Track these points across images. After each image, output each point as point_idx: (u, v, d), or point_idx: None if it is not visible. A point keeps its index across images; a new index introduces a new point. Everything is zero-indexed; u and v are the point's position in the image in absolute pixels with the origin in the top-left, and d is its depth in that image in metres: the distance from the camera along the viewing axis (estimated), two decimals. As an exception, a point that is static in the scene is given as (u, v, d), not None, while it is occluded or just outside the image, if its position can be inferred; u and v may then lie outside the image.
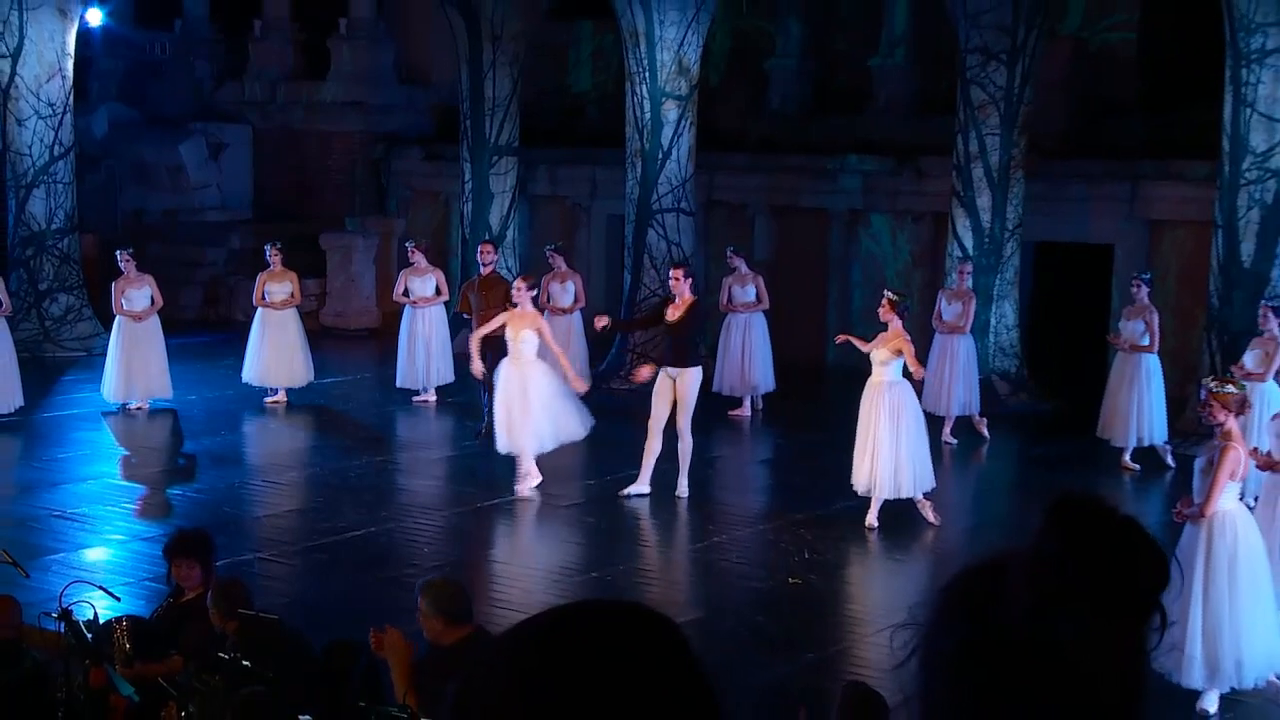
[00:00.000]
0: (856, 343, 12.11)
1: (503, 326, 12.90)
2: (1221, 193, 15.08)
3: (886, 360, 11.86)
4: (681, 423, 12.77)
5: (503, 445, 12.91)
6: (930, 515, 12.09)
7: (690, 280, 13.01)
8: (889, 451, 11.84)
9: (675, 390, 12.67)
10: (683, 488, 12.89)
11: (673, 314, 12.77)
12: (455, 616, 6.43)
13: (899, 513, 12.02)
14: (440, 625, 6.38)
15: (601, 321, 13.29)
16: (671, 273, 13.29)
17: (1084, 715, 1.43)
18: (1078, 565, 1.42)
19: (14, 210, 19.68)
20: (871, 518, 11.92)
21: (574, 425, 12.96)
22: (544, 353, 13.07)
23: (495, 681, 1.40)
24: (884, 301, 12.12)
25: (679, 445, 12.88)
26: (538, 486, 12.89)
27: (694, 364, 12.79)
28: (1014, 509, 13.65)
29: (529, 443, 12.75)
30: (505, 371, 12.85)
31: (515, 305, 12.91)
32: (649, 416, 12.74)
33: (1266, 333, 12.80)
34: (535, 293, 13.59)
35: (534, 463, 12.91)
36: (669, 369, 12.80)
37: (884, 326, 11.98)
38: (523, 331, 12.62)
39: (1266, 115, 14.66)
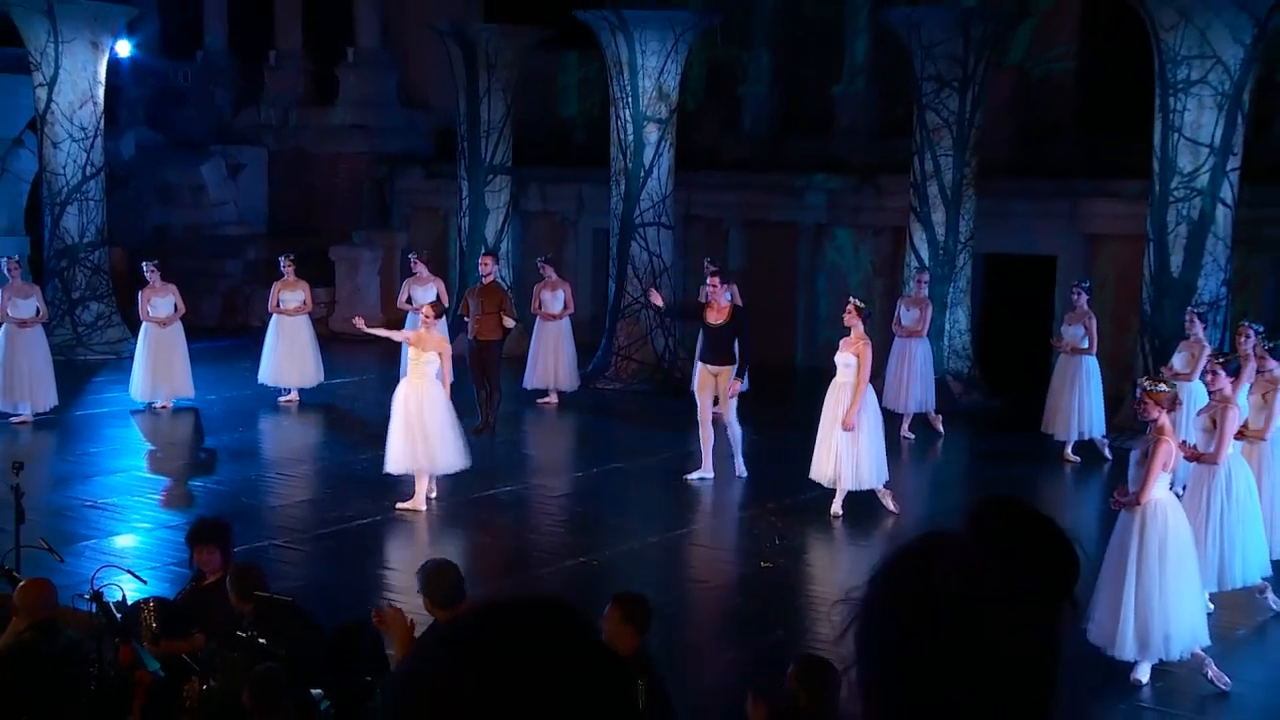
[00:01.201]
0: (851, 411, 11.73)
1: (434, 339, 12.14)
2: (1152, 210, 15.13)
3: (849, 362, 11.91)
4: (727, 415, 12.91)
5: (396, 467, 12.00)
6: (890, 504, 12.12)
7: (726, 286, 13.09)
8: (850, 446, 11.90)
9: (717, 385, 12.82)
10: (740, 469, 13.10)
11: (715, 317, 12.88)
12: (448, 598, 6.42)
13: (861, 502, 12.03)
14: (431, 605, 6.39)
15: (656, 299, 13.18)
16: (709, 280, 13.29)
17: (1006, 695, 1.45)
18: (999, 562, 1.44)
19: (49, 225, 19.64)
20: (836, 506, 11.94)
21: (456, 457, 12.13)
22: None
23: (420, 674, 1.40)
24: (849, 308, 12.17)
25: (729, 433, 13.04)
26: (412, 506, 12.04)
27: (732, 362, 12.85)
28: (967, 498, 13.67)
29: (425, 464, 11.92)
30: (403, 391, 12.01)
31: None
32: (698, 411, 12.88)
33: (1193, 336, 12.87)
34: (444, 320, 12.92)
35: (426, 485, 12.05)
36: (709, 366, 12.95)
37: (848, 331, 12.04)
38: (426, 354, 11.93)
39: (1192, 140, 14.74)
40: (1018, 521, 1.48)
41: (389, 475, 12.04)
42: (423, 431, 11.87)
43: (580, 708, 1.35)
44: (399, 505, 11.91)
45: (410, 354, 12.09)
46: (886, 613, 1.50)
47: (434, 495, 12.21)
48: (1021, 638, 1.44)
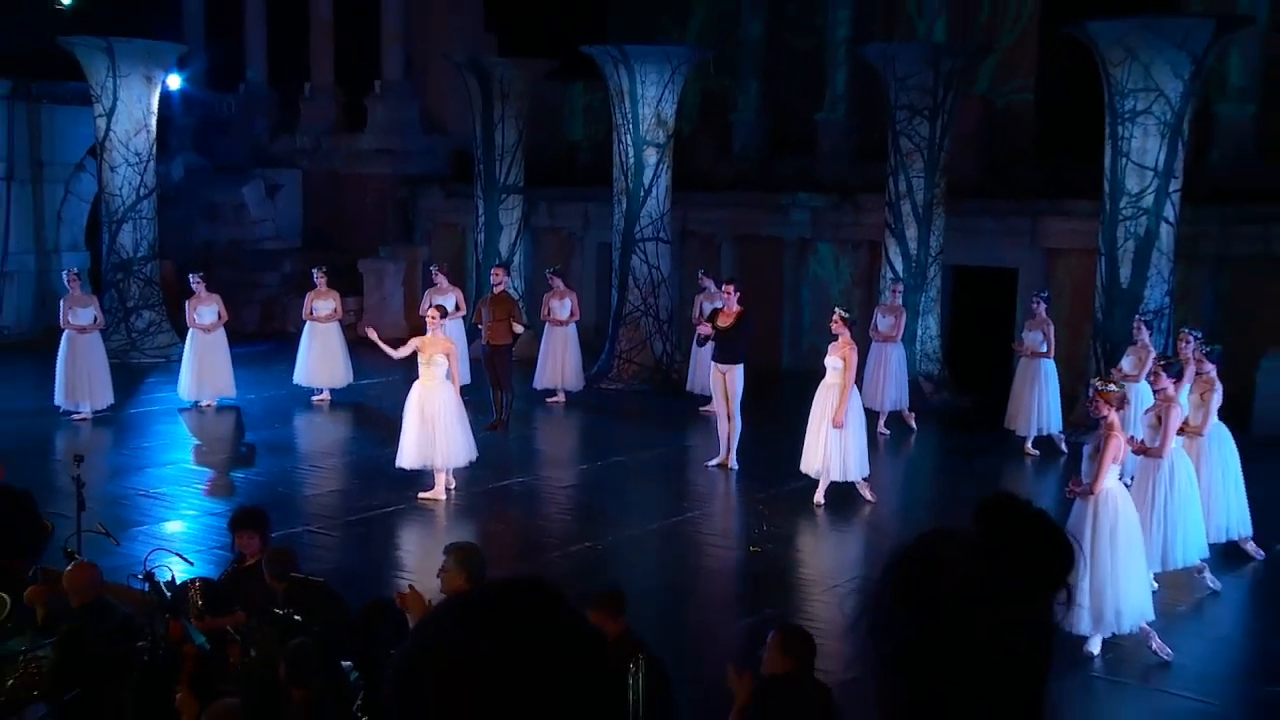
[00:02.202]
0: (839, 410, 11.78)
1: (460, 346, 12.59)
2: (1104, 227, 15.12)
3: (836, 365, 11.93)
4: (731, 408, 12.97)
5: (410, 461, 11.95)
6: (867, 494, 12.14)
7: (739, 294, 13.13)
8: (836, 441, 11.92)
9: (725, 382, 12.89)
10: (732, 461, 13.09)
11: (724, 321, 12.98)
12: (475, 575, 6.45)
13: (842, 492, 12.05)
14: (461, 581, 6.38)
15: (706, 329, 13.10)
16: (725, 287, 13.40)
17: (1008, 679, 1.45)
18: (1002, 557, 1.44)
19: (107, 241, 19.66)
20: (819, 496, 11.96)
21: (464, 452, 12.12)
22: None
23: (419, 652, 1.39)
24: (835, 317, 12.21)
25: (730, 425, 13.07)
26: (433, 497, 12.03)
27: (739, 361, 12.94)
28: (938, 488, 13.74)
29: (439, 459, 11.91)
30: (416, 391, 11.95)
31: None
32: (709, 405, 13.04)
33: (1139, 342, 12.90)
34: (446, 322, 12.88)
35: (445, 477, 12.05)
36: (719, 365, 13.00)
37: (835, 337, 12.06)
38: (435, 355, 11.85)
39: (1138, 164, 14.74)
40: (1018, 518, 1.46)
41: (410, 469, 12.03)
42: (434, 429, 11.83)
43: (567, 681, 1.34)
44: (421, 495, 11.94)
45: (421, 358, 11.99)
46: (898, 605, 1.48)
47: (453, 487, 12.22)
48: (1022, 626, 1.44)
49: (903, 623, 1.46)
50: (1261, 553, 10.70)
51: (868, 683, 1.55)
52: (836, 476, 11.94)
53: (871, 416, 14.75)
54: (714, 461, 13.18)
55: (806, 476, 12.08)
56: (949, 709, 1.44)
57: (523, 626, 1.36)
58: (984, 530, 1.46)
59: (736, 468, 13.12)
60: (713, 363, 13.16)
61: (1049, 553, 1.45)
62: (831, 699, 5.62)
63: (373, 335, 12.49)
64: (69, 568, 7.20)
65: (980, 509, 1.48)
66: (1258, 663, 8.83)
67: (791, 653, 5.52)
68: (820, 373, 12.14)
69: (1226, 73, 17.45)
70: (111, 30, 19.71)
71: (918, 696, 1.45)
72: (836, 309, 12.58)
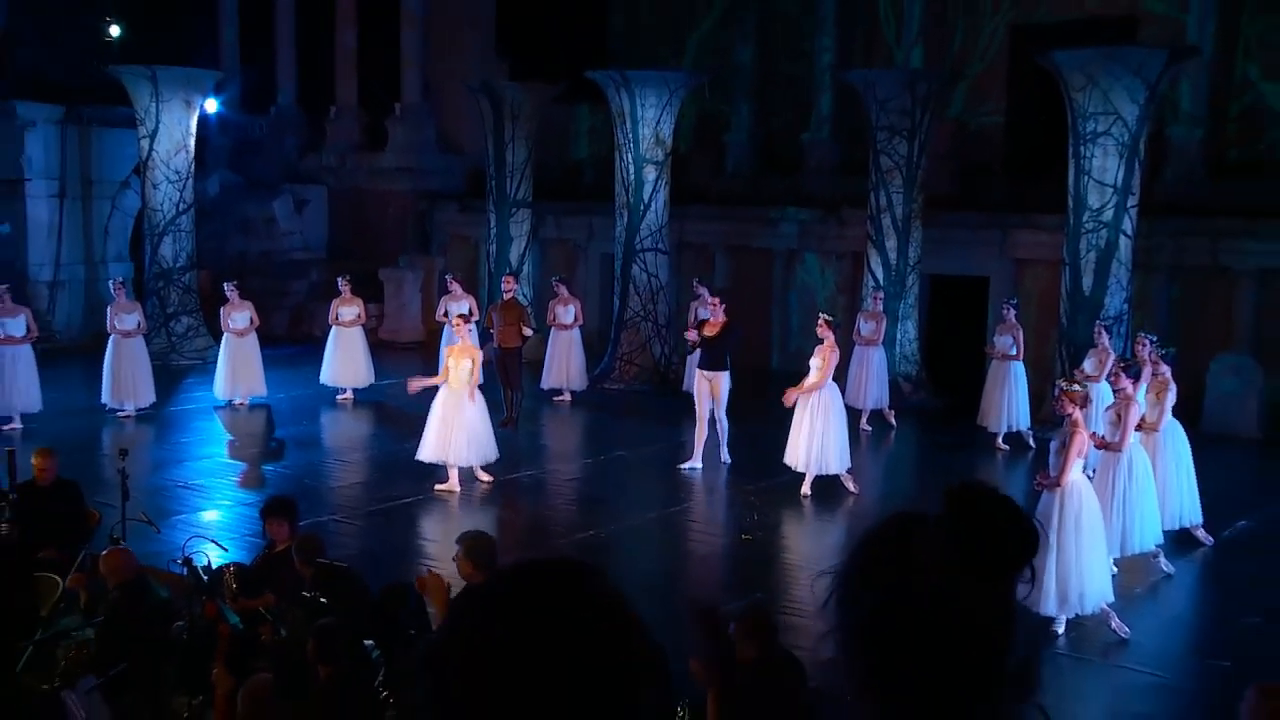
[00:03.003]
0: (798, 393, 11.82)
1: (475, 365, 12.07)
2: (1068, 239, 15.14)
3: (817, 365, 11.96)
4: (719, 412, 12.82)
5: (429, 455, 11.94)
6: (851, 486, 12.15)
7: (724, 306, 13.00)
8: (819, 436, 11.92)
9: (712, 388, 12.74)
10: (725, 456, 12.98)
11: (710, 330, 12.79)
12: (484, 563, 6.45)
13: (827, 484, 12.06)
14: (470, 569, 6.38)
15: (694, 336, 12.90)
16: (710, 299, 13.22)
17: (972, 652, 1.44)
18: (972, 537, 1.43)
19: (149, 253, 19.68)
20: (806, 487, 11.97)
21: (484, 451, 12.13)
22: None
23: (457, 629, 1.34)
24: (820, 321, 12.23)
25: (719, 426, 12.92)
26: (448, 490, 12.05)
27: (725, 369, 12.78)
28: (916, 480, 13.71)
29: (451, 457, 11.90)
30: (443, 393, 11.99)
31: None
32: (695, 410, 12.80)
33: (1100, 345, 12.92)
34: (474, 330, 12.87)
35: (456, 473, 12.02)
36: (705, 372, 12.81)
37: (821, 340, 12.07)
38: (462, 361, 11.91)
39: (1099, 181, 14.77)
40: (987, 502, 1.46)
41: (428, 462, 12.02)
42: (452, 429, 11.85)
43: (600, 658, 1.29)
44: (437, 487, 11.96)
45: (450, 361, 12.04)
46: (866, 584, 1.46)
47: (489, 479, 12.22)
48: (989, 602, 1.43)
49: (871, 599, 1.44)
50: (1210, 539, 10.74)
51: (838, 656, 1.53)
52: (817, 470, 11.94)
53: (854, 414, 14.77)
54: (686, 465, 12.96)
55: (793, 470, 12.08)
56: (914, 680, 1.43)
57: (558, 606, 1.31)
58: (952, 513, 1.44)
59: (729, 462, 13.05)
60: (698, 370, 13.00)
61: (1013, 534, 1.44)
62: (802, 670, 5.60)
63: (419, 385, 12.30)
64: (105, 553, 7.24)
65: (949, 494, 1.46)
66: (1206, 640, 8.86)
67: (756, 636, 5.47)
68: (807, 373, 12.15)
69: (1178, 98, 17.48)
70: (154, 59, 19.83)
71: (884, 669, 1.44)
72: (821, 314, 12.61)
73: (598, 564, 1.37)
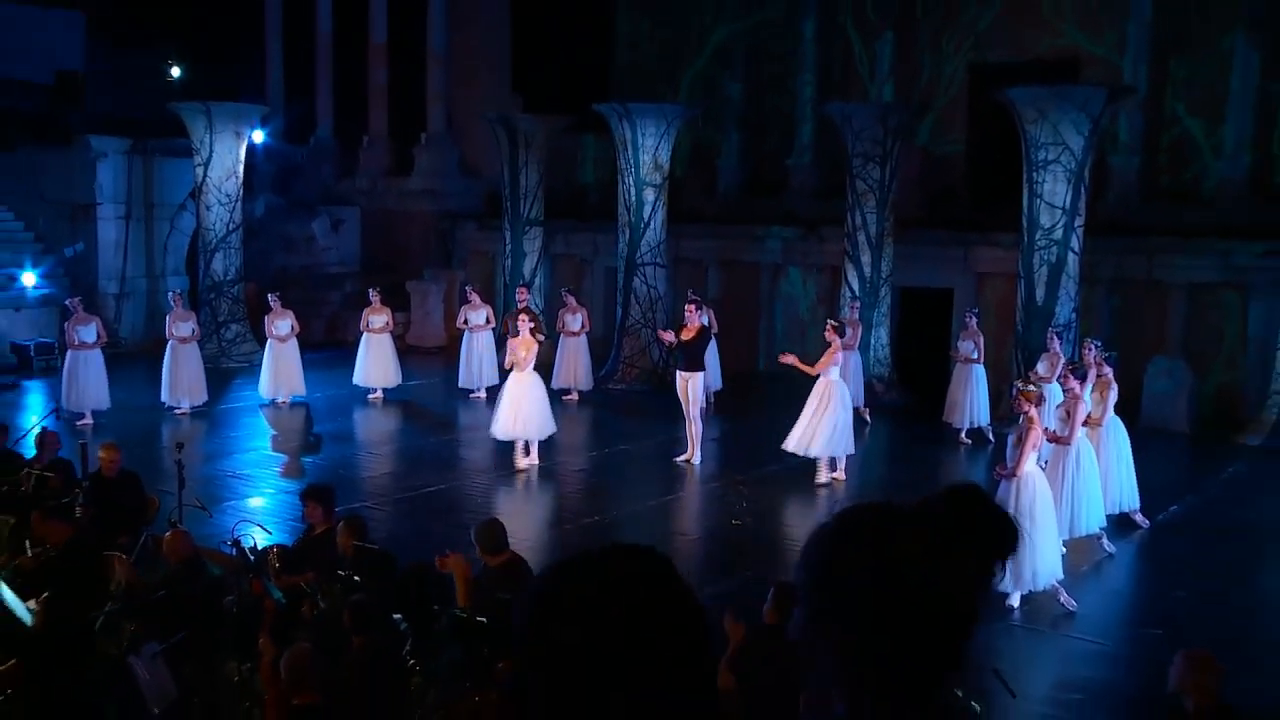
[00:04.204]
0: (794, 361, 11.74)
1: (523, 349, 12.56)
2: (1023, 255, 15.18)
3: (828, 365, 11.96)
4: (692, 410, 12.68)
5: (502, 433, 12.39)
6: (839, 474, 12.10)
7: (699, 312, 12.91)
8: (829, 424, 11.80)
9: (687, 388, 12.65)
10: (696, 456, 12.81)
11: (686, 335, 12.72)
12: (494, 548, 6.47)
13: (809, 472, 12.00)
14: (481, 553, 6.44)
15: (668, 336, 12.92)
16: (687, 306, 13.13)
17: (948, 629, 1.44)
18: (971, 533, 1.43)
19: (203, 267, 19.76)
20: (822, 476, 11.93)
21: (546, 426, 12.57)
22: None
23: (537, 603, 1.33)
24: (828, 326, 12.22)
25: (691, 427, 12.75)
26: (527, 465, 12.52)
27: (699, 369, 12.73)
28: (889, 469, 13.71)
29: (520, 432, 12.35)
30: (510, 379, 12.46)
31: (518, 333, 12.68)
32: (685, 410, 12.72)
33: (1052, 349, 12.92)
34: (533, 325, 13.16)
35: (520, 447, 12.49)
36: (682, 372, 12.73)
37: (827, 344, 11.93)
38: (532, 349, 12.46)
39: (1050, 204, 14.83)
40: (980, 507, 1.47)
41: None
42: (524, 409, 12.25)
43: (673, 633, 1.30)
44: (518, 463, 12.33)
45: (521, 352, 12.37)
46: (846, 569, 1.43)
47: (535, 461, 12.43)
48: (969, 586, 1.44)
49: (852, 584, 1.42)
50: (1147, 522, 10.79)
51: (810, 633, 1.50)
52: (817, 452, 11.83)
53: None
54: (682, 457, 12.91)
55: (780, 460, 12.02)
56: (891, 655, 1.42)
57: (640, 587, 1.31)
58: (952, 510, 1.45)
59: (699, 462, 12.79)
60: (677, 371, 12.90)
61: (1003, 532, 1.46)
62: None
63: (519, 352, 12.47)
64: (166, 535, 7.29)
65: (948, 494, 1.47)
66: (1141, 611, 8.92)
67: (784, 608, 5.46)
68: (792, 374, 12.11)
69: (1117, 131, 17.59)
70: (209, 96, 20.09)
71: (862, 646, 1.43)
72: (829, 320, 12.61)
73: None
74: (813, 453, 11.91)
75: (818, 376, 11.87)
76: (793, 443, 11.87)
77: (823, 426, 11.79)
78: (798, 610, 1.50)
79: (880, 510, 1.48)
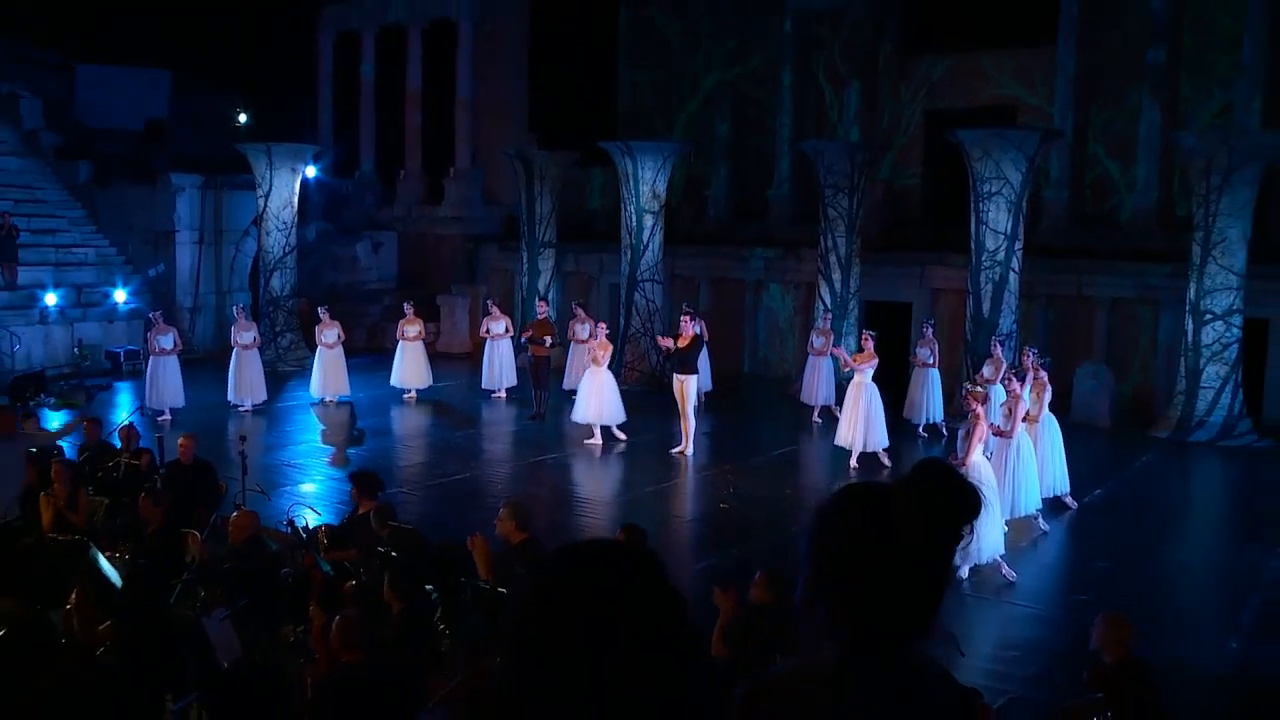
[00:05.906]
0: (841, 354, 12.70)
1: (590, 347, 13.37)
2: (971, 274, 15.24)
3: (862, 368, 12.08)
4: (686, 409, 12.69)
5: (580, 418, 13.14)
6: (885, 460, 12.17)
7: (693, 322, 12.96)
8: (861, 420, 11.90)
9: (682, 389, 12.67)
10: (689, 449, 12.79)
11: (681, 342, 12.69)
12: (523, 523, 6.48)
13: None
14: (512, 527, 6.38)
15: (666, 343, 12.83)
16: (682, 317, 13.11)
17: (933, 584, 1.44)
18: (941, 501, 1.44)
19: (263, 284, 19.92)
20: (854, 461, 12.05)
21: (618, 413, 13.27)
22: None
23: (531, 593, 1.26)
24: (863, 337, 12.53)
25: (685, 423, 12.78)
26: (591, 441, 13.12)
27: (693, 372, 12.72)
28: (858, 458, 13.69)
29: (594, 417, 13.10)
30: (588, 373, 13.24)
31: (594, 337, 13.40)
32: (679, 408, 12.78)
33: (995, 355, 13.00)
34: (607, 331, 13.73)
35: (598, 430, 13.20)
36: (677, 375, 12.72)
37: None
38: (609, 348, 13.21)
39: (994, 229, 14.89)
40: (949, 478, 1.47)
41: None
42: (604, 397, 12.98)
43: (655, 627, 1.23)
44: (586, 441, 12.85)
45: (599, 353, 12.96)
46: (842, 534, 1.43)
47: (624, 438, 12.99)
48: (945, 547, 1.44)
49: (847, 545, 1.42)
50: (1075, 503, 10.83)
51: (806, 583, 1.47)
52: (860, 447, 11.99)
53: (807, 409, 14.86)
54: (677, 449, 12.87)
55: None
56: (879, 605, 1.42)
57: (622, 582, 1.25)
58: (921, 481, 1.44)
59: (692, 453, 12.76)
60: (673, 374, 12.91)
61: (967, 497, 1.46)
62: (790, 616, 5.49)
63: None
64: (234, 515, 7.35)
65: (919, 468, 1.46)
66: (1070, 581, 8.93)
67: (773, 590, 5.38)
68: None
69: (1049, 168, 17.77)
70: (270, 137, 20.47)
71: (854, 598, 1.42)
72: (866, 332, 12.72)
73: (608, 528, 1.40)
74: (872, 446, 12.04)
75: (851, 374, 12.27)
76: (856, 442, 11.98)
77: (874, 420, 12.03)
78: (800, 578, 1.46)
79: (870, 487, 1.49)
